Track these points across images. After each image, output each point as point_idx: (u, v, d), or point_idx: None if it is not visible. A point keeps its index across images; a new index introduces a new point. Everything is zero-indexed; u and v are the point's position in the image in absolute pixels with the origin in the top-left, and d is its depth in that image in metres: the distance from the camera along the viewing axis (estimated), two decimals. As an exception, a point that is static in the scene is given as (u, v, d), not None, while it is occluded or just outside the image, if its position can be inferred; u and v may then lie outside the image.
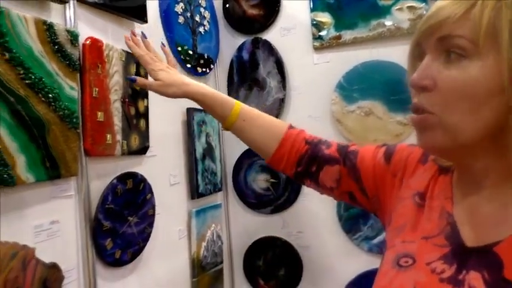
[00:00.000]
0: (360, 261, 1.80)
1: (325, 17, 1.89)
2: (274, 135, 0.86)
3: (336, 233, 1.87)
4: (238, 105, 0.88)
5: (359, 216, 1.83)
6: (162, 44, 1.12)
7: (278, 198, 1.95)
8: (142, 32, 1.04)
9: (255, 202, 1.99)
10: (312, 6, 1.91)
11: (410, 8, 1.78)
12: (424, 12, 1.75)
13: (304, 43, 1.93)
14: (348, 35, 1.86)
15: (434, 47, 0.54)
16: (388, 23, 1.80)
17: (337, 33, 1.87)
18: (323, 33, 1.89)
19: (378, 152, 0.76)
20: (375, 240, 1.79)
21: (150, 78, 0.97)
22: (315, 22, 1.90)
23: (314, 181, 0.84)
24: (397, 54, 1.73)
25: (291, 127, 0.88)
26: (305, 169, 0.83)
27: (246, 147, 1.96)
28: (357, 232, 1.84)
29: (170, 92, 0.91)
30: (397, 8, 1.80)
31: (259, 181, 1.97)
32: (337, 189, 0.81)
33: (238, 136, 0.90)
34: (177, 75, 0.93)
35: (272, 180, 1.95)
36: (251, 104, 1.95)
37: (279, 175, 1.94)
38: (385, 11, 1.80)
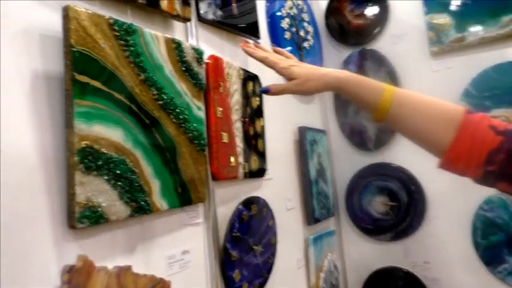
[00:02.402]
0: (508, 300, 1.51)
1: (443, 19, 1.70)
2: (446, 123, 0.66)
3: (472, 265, 1.61)
4: (390, 88, 0.72)
5: (502, 244, 1.55)
6: (272, 44, 1.01)
7: (399, 223, 1.74)
8: (254, 40, 0.96)
9: (372, 228, 1.79)
10: (426, 8, 1.73)
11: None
12: None
13: (420, 49, 1.75)
14: (472, 35, 1.64)
15: None
16: (526, 16, 1.55)
17: (459, 35, 1.66)
18: (442, 36, 1.69)
19: None
20: (529, 274, 1.50)
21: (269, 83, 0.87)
22: (431, 25, 1.71)
23: None
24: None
25: (468, 111, 0.67)
26: (500, 169, 0.62)
27: (359, 166, 1.82)
28: (500, 264, 1.56)
29: (311, 87, 0.79)
30: (536, -2, 1.55)
31: (376, 204, 1.79)
32: None
33: (395, 128, 0.74)
34: (312, 67, 0.82)
35: (391, 203, 1.75)
36: (363, 121, 1.80)
37: (399, 197, 1.73)
38: (519, 4, 1.56)
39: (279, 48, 0.95)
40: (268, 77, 1.37)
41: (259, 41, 1.33)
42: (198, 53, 0.97)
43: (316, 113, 1.88)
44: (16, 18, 0.66)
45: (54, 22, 0.69)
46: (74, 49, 0.67)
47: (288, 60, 0.86)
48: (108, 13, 0.77)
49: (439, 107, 0.70)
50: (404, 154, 1.74)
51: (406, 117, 0.70)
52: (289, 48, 1.58)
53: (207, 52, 1.08)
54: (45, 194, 0.66)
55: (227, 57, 1.17)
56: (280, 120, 1.48)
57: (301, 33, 1.73)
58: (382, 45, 1.82)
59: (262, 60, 0.87)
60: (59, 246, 0.66)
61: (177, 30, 1.02)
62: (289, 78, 0.82)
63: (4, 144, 0.61)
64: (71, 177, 0.67)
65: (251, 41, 0.96)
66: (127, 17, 0.84)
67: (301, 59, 1.68)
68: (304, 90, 0.80)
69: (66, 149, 0.67)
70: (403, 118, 0.71)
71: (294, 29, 1.66)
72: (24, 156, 0.64)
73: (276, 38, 1.54)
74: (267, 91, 0.87)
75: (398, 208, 1.73)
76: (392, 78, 1.76)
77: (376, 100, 0.72)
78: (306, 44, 1.75)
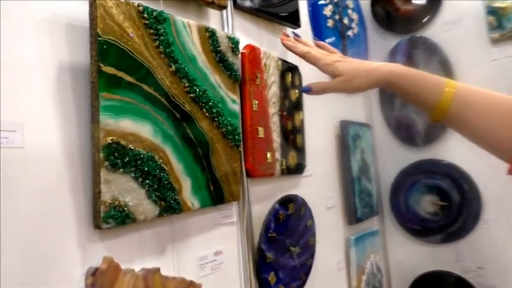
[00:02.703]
0: None
1: (505, 2, 1.53)
2: None
3: (534, 272, 1.46)
4: (451, 84, 0.63)
5: None
6: (314, 38, 0.92)
7: (450, 224, 1.61)
8: (293, 32, 0.88)
9: (420, 229, 1.68)
10: (485, -9, 1.57)
11: None
12: None
13: (477, 36, 1.60)
14: (540, 19, 1.47)
15: None
16: None
17: (524, 19, 1.49)
18: (504, 21, 1.53)
19: None
20: None
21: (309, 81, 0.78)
22: (491, 9, 1.55)
23: None
24: None
25: None
26: None
27: (406, 163, 1.70)
28: None
29: (358, 85, 0.70)
30: None
31: (425, 203, 1.66)
32: None
33: (455, 128, 0.65)
34: (359, 62, 0.73)
35: (441, 202, 1.62)
36: (411, 114, 1.68)
37: (450, 196, 1.60)
38: None
39: (321, 42, 0.85)
40: (309, 68, 1.29)
41: (299, 29, 1.25)
42: (234, 42, 0.91)
43: (360, 106, 1.77)
44: (41, 7, 0.62)
45: (82, 10, 0.65)
46: (101, 38, 0.63)
47: (331, 55, 0.77)
48: (139, 0, 0.73)
49: (508, 105, 0.60)
50: (457, 150, 1.61)
51: (470, 117, 0.61)
52: (329, 40, 1.49)
53: (244, 41, 1.02)
54: (71, 192, 0.63)
55: (265, 47, 1.11)
56: (321, 113, 1.40)
57: (345, 20, 1.62)
58: (433, 32, 1.68)
59: (303, 56, 0.79)
60: (83, 247, 0.63)
61: (212, 19, 0.96)
62: (333, 75, 0.73)
63: (28, 140, 0.58)
64: (96, 175, 0.63)
65: (291, 33, 0.87)
66: (159, 5, 0.80)
67: (344, 49, 1.58)
68: (350, 88, 0.71)
69: (92, 145, 0.64)
70: (467, 118, 0.61)
71: (337, 17, 1.56)
72: (49, 152, 0.61)
73: (318, 26, 1.46)
74: (308, 90, 0.78)
75: (449, 208, 1.60)
76: (446, 68, 1.62)
77: (435, 98, 0.63)
78: (349, 33, 1.65)
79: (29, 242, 0.57)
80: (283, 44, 0.83)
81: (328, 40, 1.46)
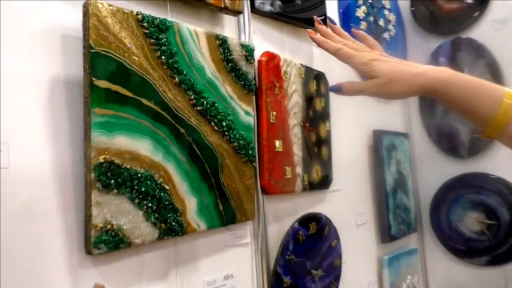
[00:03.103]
0: None
1: None
2: None
3: None
4: (510, 95, 0.54)
5: None
6: (352, 26, 0.76)
7: (498, 245, 1.45)
8: (328, 17, 0.76)
9: (463, 249, 1.53)
10: (540, -15, 1.41)
11: None
12: None
13: (531, 36, 1.43)
14: None
15: None
16: None
17: None
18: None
19: None
20: None
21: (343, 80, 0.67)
22: (547, 6, 1.38)
23: None
24: None
25: None
26: None
27: (448, 176, 1.56)
28: None
29: (397, 91, 0.60)
30: None
31: (469, 221, 1.51)
32: None
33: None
34: (401, 63, 0.61)
35: (488, 221, 1.47)
36: (454, 123, 1.54)
37: (498, 215, 1.44)
38: None
39: (361, 32, 0.72)
40: (338, 74, 1.20)
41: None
42: (248, 50, 0.85)
43: (397, 114, 1.64)
44: (36, 17, 0.59)
45: (78, 20, 0.61)
46: (93, 50, 0.59)
47: (369, 52, 0.64)
48: (145, 10, 0.68)
49: None
50: (507, 163, 1.45)
51: None
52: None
53: (263, 48, 0.96)
54: (62, 214, 0.59)
55: (287, 54, 1.03)
56: (351, 123, 1.30)
57: (381, 22, 1.51)
58: (480, 32, 1.53)
59: (334, 54, 0.66)
60: (75, 273, 0.59)
61: (227, 25, 0.90)
62: (369, 76, 0.62)
63: (16, 159, 0.55)
64: (88, 197, 0.59)
65: (320, 21, 0.74)
66: (166, 14, 0.75)
67: (379, 52, 1.47)
68: (387, 93, 0.61)
69: (84, 165, 0.60)
70: None
71: (371, 18, 1.46)
72: (39, 172, 0.57)
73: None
74: (337, 90, 0.66)
75: (497, 227, 1.45)
76: (493, 72, 1.47)
77: (491, 111, 0.54)
78: (386, 35, 1.53)
79: (16, 267, 0.53)
80: (312, 39, 0.71)
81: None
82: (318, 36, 0.70)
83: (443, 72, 0.58)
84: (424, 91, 0.59)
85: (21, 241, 0.54)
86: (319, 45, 0.69)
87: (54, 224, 0.58)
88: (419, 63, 0.62)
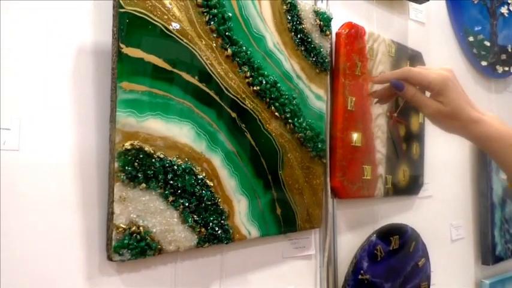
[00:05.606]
0: None
1: None
2: None
3: None
4: None
5: None
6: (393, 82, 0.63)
7: None
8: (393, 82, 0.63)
9: None
10: None
11: None
12: None
13: None
14: None
15: None
16: None
17: None
18: None
19: None
20: None
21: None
22: None
23: None
24: None
25: None
26: None
27: None
28: None
29: (450, 127, 0.60)
30: None
31: None
32: None
33: None
34: (463, 97, 0.59)
35: None
36: None
37: None
38: None
39: (381, 77, 0.67)
40: (434, 56, 0.99)
41: (424, 5, 0.95)
42: (323, 18, 0.68)
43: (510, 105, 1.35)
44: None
45: (114, -22, 0.50)
46: (123, 10, 0.47)
47: (433, 76, 0.59)
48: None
49: None
50: None
51: None
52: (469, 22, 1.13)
53: (344, 18, 0.78)
54: (82, 210, 0.49)
55: (375, 27, 0.85)
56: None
57: (496, -7, 1.23)
58: None
59: (409, 100, 0.63)
60: (93, 282, 0.49)
61: (301, -10, 0.74)
62: (436, 89, 0.59)
63: (25, 141, 0.45)
64: (111, 191, 0.48)
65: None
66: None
67: (493, 31, 1.20)
68: (444, 125, 0.61)
69: (109, 151, 0.49)
70: None
71: (484, -12, 1.19)
72: (55, 157, 0.48)
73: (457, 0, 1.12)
74: (400, 89, 0.62)
75: None
76: None
77: None
78: (503, 9, 1.25)
79: (22, 270, 0.45)
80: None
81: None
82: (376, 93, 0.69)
83: (491, 126, 0.58)
84: (471, 139, 0.60)
85: (29, 241, 0.45)
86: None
87: (71, 221, 0.48)
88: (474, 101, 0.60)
